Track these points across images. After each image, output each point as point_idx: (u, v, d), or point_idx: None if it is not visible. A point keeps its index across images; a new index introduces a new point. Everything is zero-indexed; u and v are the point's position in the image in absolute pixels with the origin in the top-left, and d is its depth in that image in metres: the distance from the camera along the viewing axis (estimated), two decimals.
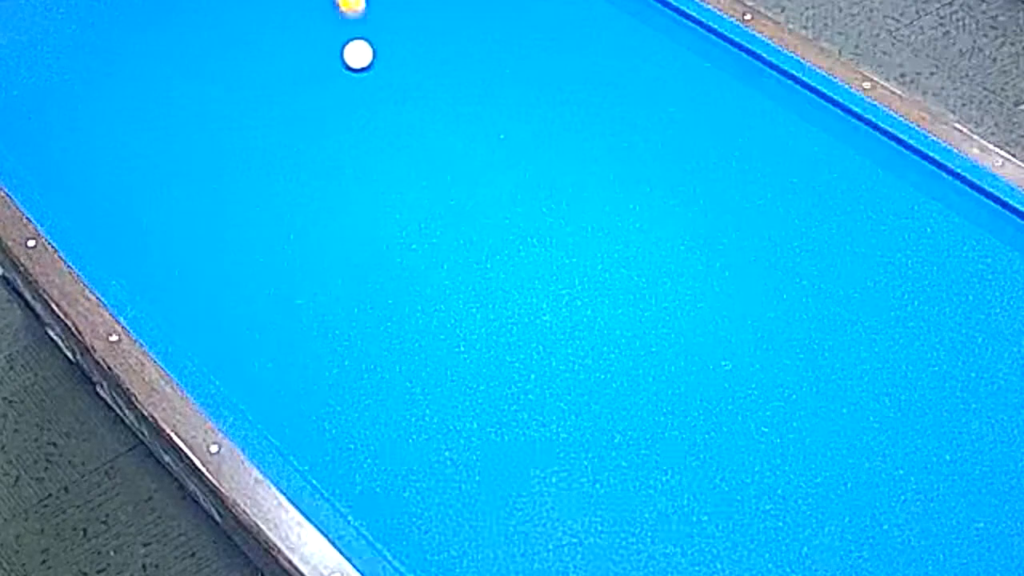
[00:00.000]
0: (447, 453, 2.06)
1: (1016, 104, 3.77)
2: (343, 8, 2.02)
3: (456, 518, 1.98)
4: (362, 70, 2.01)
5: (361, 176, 2.49)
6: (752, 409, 2.10)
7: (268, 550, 1.94)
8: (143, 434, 2.33)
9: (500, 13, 2.79)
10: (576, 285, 2.29)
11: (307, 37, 2.76)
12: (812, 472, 2.01)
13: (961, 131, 2.48)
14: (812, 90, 2.55)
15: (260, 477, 1.99)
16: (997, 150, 2.43)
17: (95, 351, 2.17)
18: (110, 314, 2.20)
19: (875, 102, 2.51)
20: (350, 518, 1.96)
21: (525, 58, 2.69)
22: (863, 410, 2.09)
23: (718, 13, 2.69)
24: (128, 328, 2.18)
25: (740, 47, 2.65)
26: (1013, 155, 2.43)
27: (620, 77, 2.65)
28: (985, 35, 3.82)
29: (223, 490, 1.99)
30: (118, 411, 2.47)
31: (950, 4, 3.85)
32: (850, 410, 2.09)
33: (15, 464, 3.10)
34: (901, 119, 2.47)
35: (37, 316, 2.66)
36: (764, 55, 2.62)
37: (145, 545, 2.94)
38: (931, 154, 2.42)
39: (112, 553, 2.93)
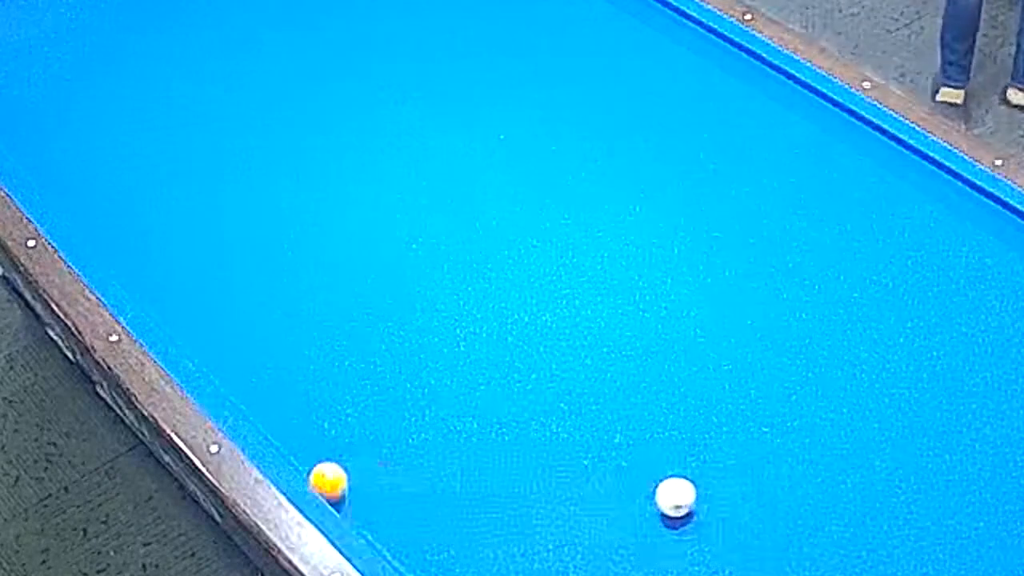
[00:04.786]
0: (447, 453, 2.06)
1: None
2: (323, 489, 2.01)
3: (456, 518, 1.98)
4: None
5: (361, 176, 2.49)
6: (752, 410, 2.10)
7: (268, 550, 1.94)
8: (143, 434, 2.33)
9: (500, 13, 2.79)
10: (576, 284, 2.29)
11: (308, 37, 2.76)
12: (813, 473, 2.01)
13: (961, 131, 2.47)
14: (812, 90, 2.55)
15: (260, 477, 1.99)
16: (997, 150, 2.43)
17: (95, 351, 2.17)
18: (110, 314, 2.20)
19: (875, 102, 2.50)
20: (350, 518, 1.95)
21: (525, 58, 2.69)
22: (863, 410, 2.09)
23: (718, 13, 2.69)
24: (128, 328, 2.18)
25: (740, 47, 2.65)
26: (1013, 155, 2.43)
27: (620, 77, 2.65)
28: (985, 35, 3.81)
29: (223, 490, 1.99)
30: (118, 411, 2.47)
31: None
32: (850, 410, 2.09)
33: (15, 464, 3.10)
34: (901, 119, 2.47)
35: (37, 316, 2.66)
36: (764, 55, 2.61)
37: (145, 545, 2.94)
38: (931, 154, 2.42)
39: (112, 553, 2.93)
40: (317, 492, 1.99)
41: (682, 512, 1.95)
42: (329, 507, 1.96)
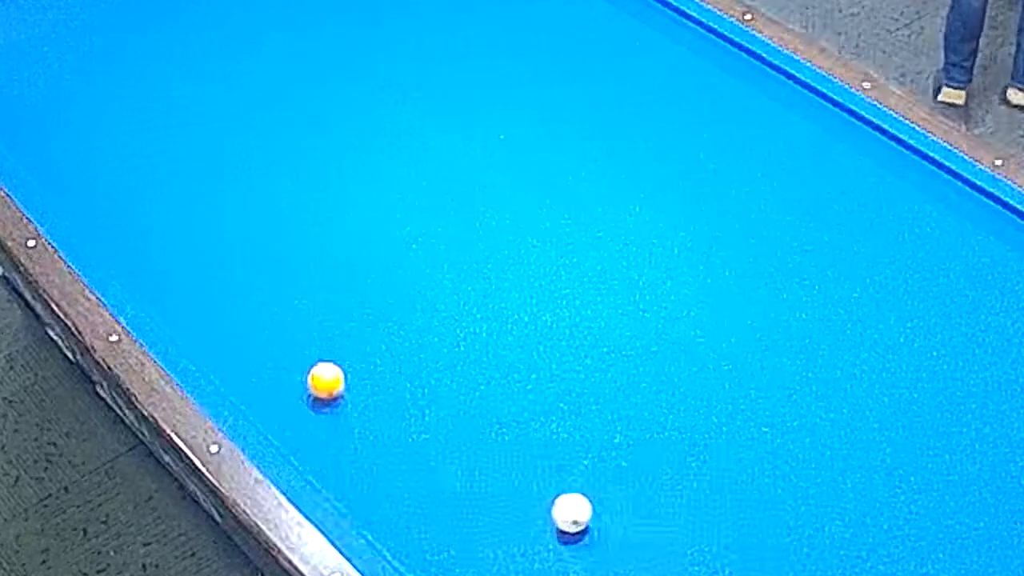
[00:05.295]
0: (447, 453, 2.06)
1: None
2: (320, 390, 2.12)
3: (456, 518, 1.98)
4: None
5: (361, 176, 2.49)
6: (753, 410, 2.09)
7: (268, 550, 1.94)
8: (143, 434, 2.33)
9: (500, 13, 2.79)
10: (576, 284, 2.29)
11: (308, 37, 2.76)
12: (813, 472, 2.01)
13: (960, 131, 2.48)
14: (812, 90, 2.55)
15: (260, 477, 1.99)
16: (997, 150, 2.43)
17: (95, 351, 2.17)
18: (110, 314, 2.20)
19: (875, 102, 2.51)
20: (350, 518, 1.96)
21: (525, 58, 2.69)
22: (864, 410, 2.09)
23: (718, 13, 2.69)
24: (128, 328, 2.18)
25: (740, 47, 2.65)
26: (1013, 155, 2.43)
27: (620, 77, 2.65)
28: (985, 35, 3.81)
29: (223, 490, 1.99)
30: (118, 411, 2.47)
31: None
32: (851, 410, 2.09)
33: (15, 464, 3.10)
34: (901, 119, 2.47)
35: (37, 316, 2.66)
36: (764, 55, 2.61)
37: (145, 545, 2.94)
38: (931, 154, 2.42)
39: (112, 553, 2.93)
40: (315, 394, 2.09)
41: (579, 528, 1.94)
42: (328, 505, 1.96)
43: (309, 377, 2.10)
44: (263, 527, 1.95)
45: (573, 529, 1.94)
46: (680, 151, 2.50)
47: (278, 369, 2.18)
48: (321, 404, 2.10)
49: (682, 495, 2.00)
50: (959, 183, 2.38)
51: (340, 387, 2.10)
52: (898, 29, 4.11)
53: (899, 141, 2.45)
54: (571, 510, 1.94)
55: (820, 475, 2.01)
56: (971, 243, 2.31)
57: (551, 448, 2.06)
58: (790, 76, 2.58)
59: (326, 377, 2.10)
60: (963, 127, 2.60)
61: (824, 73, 2.56)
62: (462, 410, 2.11)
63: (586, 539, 1.95)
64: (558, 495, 1.96)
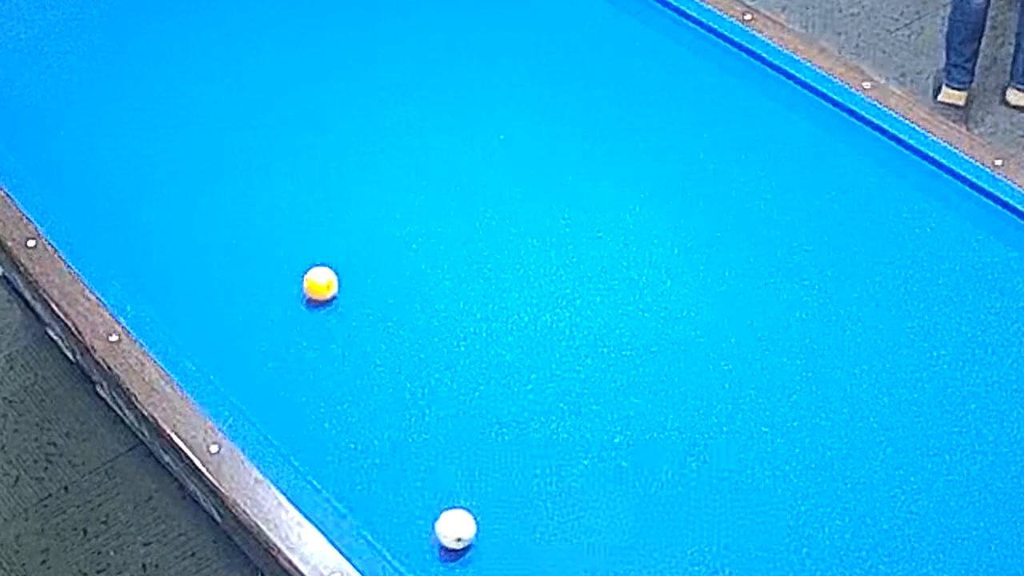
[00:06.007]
0: (447, 452, 2.06)
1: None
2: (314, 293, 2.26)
3: None
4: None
5: (361, 176, 2.49)
6: (753, 410, 2.10)
7: (268, 550, 1.94)
8: (143, 434, 2.33)
9: (500, 13, 2.79)
10: (576, 284, 2.29)
11: (308, 37, 2.76)
12: (813, 473, 2.01)
13: (960, 131, 2.48)
14: (812, 90, 2.55)
15: (260, 477, 1.99)
16: (997, 150, 2.43)
17: (95, 351, 2.17)
18: (110, 314, 2.20)
19: (875, 102, 2.51)
20: (350, 518, 1.96)
21: (525, 58, 2.69)
22: (864, 410, 2.09)
23: (718, 13, 2.69)
24: (128, 328, 2.18)
25: (740, 47, 2.65)
26: (1013, 155, 2.43)
27: (620, 77, 2.65)
28: (985, 35, 3.82)
29: (223, 490, 1.99)
30: (118, 411, 2.47)
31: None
32: (850, 410, 2.09)
33: (15, 464, 3.10)
34: (901, 119, 2.47)
35: (37, 316, 2.66)
36: (764, 55, 2.62)
37: (145, 545, 2.94)
38: (931, 154, 2.42)
39: (112, 553, 2.93)
40: (312, 296, 2.24)
41: (462, 545, 1.92)
42: (328, 505, 1.97)
43: (304, 281, 2.24)
44: (263, 527, 1.95)
45: (458, 546, 1.92)
46: (680, 151, 2.50)
47: (278, 369, 2.18)
48: (315, 304, 2.24)
49: (682, 495, 2.00)
50: (959, 183, 2.39)
51: (334, 288, 2.23)
52: (898, 29, 4.11)
53: (899, 141, 2.45)
54: (454, 527, 1.92)
55: (820, 475, 2.01)
56: (971, 243, 2.31)
57: (551, 448, 2.06)
58: (790, 76, 2.58)
59: (320, 281, 2.23)
60: (963, 127, 2.60)
61: (824, 73, 2.56)
62: (462, 410, 2.11)
63: (586, 539, 1.95)
64: (443, 510, 1.94)
